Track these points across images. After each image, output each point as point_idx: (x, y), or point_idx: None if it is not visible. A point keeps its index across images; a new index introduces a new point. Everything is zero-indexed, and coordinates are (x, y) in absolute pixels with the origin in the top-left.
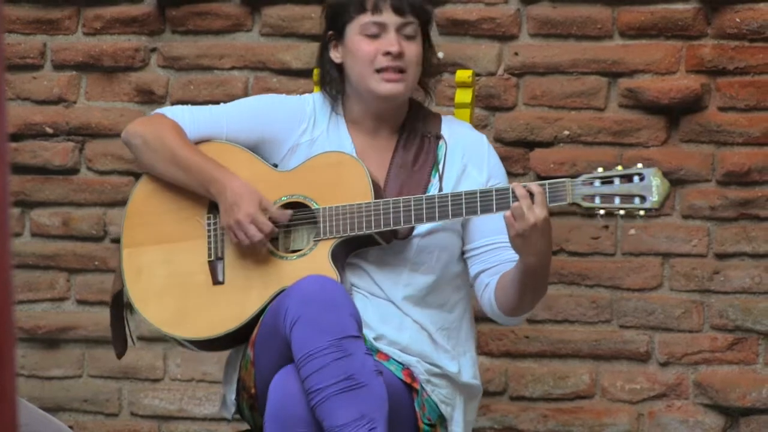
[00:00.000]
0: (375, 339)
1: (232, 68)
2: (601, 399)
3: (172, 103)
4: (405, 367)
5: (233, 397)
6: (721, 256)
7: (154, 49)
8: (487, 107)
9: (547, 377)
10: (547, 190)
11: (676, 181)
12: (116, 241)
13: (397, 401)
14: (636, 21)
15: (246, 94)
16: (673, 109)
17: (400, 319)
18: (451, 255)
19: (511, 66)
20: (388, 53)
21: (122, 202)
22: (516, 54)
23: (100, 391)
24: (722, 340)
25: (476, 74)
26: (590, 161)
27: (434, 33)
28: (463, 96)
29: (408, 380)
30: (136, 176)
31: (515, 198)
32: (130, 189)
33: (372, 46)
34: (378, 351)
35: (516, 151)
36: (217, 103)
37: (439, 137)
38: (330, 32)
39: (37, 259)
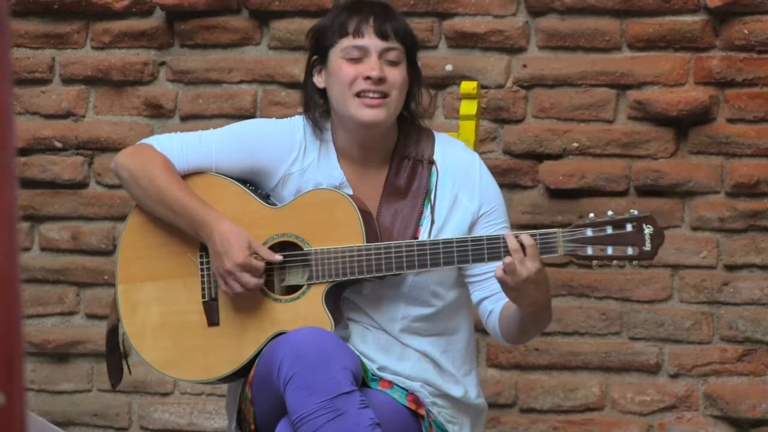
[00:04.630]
0: (378, 369)
1: (241, 82)
2: (611, 411)
3: (181, 117)
4: (409, 393)
5: (234, 425)
6: (730, 268)
7: (162, 63)
8: (496, 120)
9: (557, 389)
10: (538, 241)
11: (684, 193)
12: None
13: (404, 428)
14: (644, 33)
15: (255, 108)
16: (682, 121)
17: (401, 349)
18: (446, 286)
19: (520, 78)
20: (368, 78)
21: (123, 225)
22: (524, 66)
23: (110, 405)
24: (732, 352)
25: (485, 87)
26: (599, 173)
27: (442, 45)
28: (468, 108)
29: (413, 406)
30: None
31: (507, 249)
32: (127, 214)
33: (353, 70)
34: (381, 379)
35: (525, 163)
36: (226, 117)
37: (431, 162)
38: (314, 57)
39: (47, 273)
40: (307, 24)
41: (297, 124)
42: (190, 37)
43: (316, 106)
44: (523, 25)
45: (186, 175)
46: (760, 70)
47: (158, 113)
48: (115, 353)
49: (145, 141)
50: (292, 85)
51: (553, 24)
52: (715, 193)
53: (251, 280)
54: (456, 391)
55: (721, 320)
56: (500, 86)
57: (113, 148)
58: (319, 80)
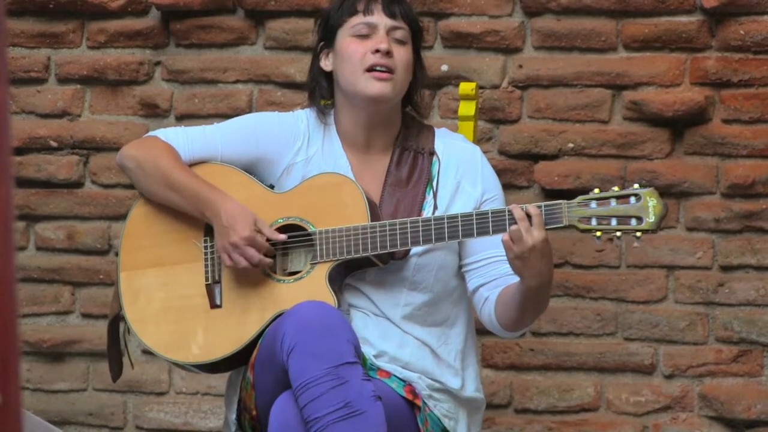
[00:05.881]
0: (376, 356)
1: (237, 81)
2: (606, 411)
3: (176, 117)
4: (407, 384)
5: (234, 417)
6: (725, 269)
7: (158, 63)
8: (492, 120)
9: (552, 390)
10: (543, 212)
11: (680, 193)
12: None
13: (400, 419)
14: (640, 33)
15: (250, 107)
16: (678, 122)
17: (400, 337)
18: (449, 272)
19: (516, 78)
20: (377, 51)
21: (126, 216)
22: (520, 66)
23: (105, 404)
24: (727, 353)
25: (480, 87)
26: (594, 174)
27: (438, 46)
28: (467, 109)
29: (410, 397)
30: None
31: (512, 220)
32: (131, 204)
33: (362, 46)
34: (379, 368)
35: (520, 163)
36: (222, 116)
37: (432, 153)
38: (321, 42)
39: (42, 272)
40: (303, 24)
41: (300, 116)
42: (186, 36)
43: (322, 90)
44: (519, 26)
45: (190, 165)
46: (755, 70)
47: (154, 113)
48: (116, 347)
49: (150, 134)
50: (287, 84)
51: (549, 24)
52: (710, 194)
53: (256, 255)
54: (454, 383)
55: (716, 321)
56: (496, 86)
57: (109, 147)
58: (326, 63)
